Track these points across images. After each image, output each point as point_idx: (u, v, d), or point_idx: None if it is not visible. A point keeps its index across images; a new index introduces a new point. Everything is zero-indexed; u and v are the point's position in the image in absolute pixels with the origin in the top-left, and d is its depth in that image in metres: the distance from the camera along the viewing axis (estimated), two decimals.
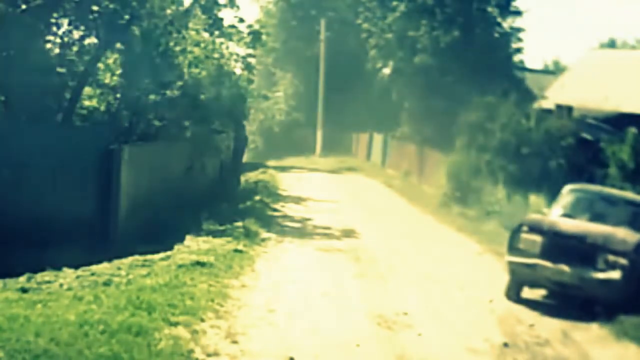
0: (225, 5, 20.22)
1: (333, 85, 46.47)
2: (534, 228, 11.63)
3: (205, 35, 21.16)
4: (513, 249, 11.70)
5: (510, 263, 11.70)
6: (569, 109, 26.60)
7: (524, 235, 11.60)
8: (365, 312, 10.32)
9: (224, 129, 23.33)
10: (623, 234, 11.45)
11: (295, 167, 39.06)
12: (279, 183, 28.22)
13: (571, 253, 11.19)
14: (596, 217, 12.11)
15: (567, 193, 12.92)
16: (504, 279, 11.92)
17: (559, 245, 11.32)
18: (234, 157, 27.42)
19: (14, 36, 15.61)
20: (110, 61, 18.18)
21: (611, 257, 10.98)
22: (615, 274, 10.85)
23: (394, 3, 34.72)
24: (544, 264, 11.25)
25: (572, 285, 11.12)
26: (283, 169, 36.53)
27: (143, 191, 15.87)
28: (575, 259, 11.14)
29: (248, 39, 22.75)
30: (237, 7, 21.25)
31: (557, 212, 12.43)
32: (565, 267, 11.12)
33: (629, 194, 13.79)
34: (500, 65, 32.05)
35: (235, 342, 8.50)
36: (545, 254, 11.31)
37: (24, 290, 10.01)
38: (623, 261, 10.90)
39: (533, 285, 11.77)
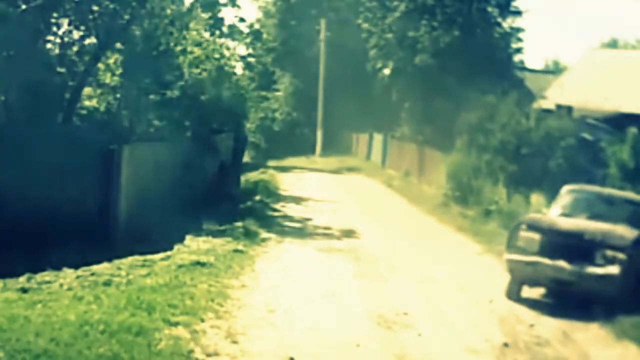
0: (225, 5, 20.27)
1: (333, 85, 46.46)
2: (533, 226, 11.62)
3: (206, 35, 21.19)
4: (512, 247, 11.67)
5: (509, 261, 11.65)
6: (569, 109, 26.65)
7: (522, 234, 11.57)
8: (365, 312, 10.32)
9: (224, 129, 23.34)
10: (621, 230, 11.49)
11: (295, 167, 39.07)
12: (279, 183, 28.22)
13: (570, 250, 11.17)
14: (595, 217, 12.07)
15: (566, 193, 12.90)
16: (504, 278, 11.90)
17: (558, 242, 11.30)
18: (234, 157, 27.38)
19: (14, 36, 15.60)
20: (110, 61, 18.18)
21: (609, 253, 11.00)
22: (614, 269, 10.88)
23: (394, 3, 34.75)
24: (543, 261, 11.22)
25: (571, 281, 11.08)
26: (283, 169, 36.53)
27: (143, 191, 15.86)
28: (574, 256, 11.12)
29: (248, 39, 22.84)
30: (238, 6, 21.29)
31: (556, 212, 12.42)
32: (564, 264, 11.10)
33: (628, 194, 13.80)
34: (500, 65, 32.07)
35: (235, 342, 8.50)
36: (544, 251, 11.28)
37: (24, 290, 10.01)
38: (621, 256, 10.93)
39: (532, 283, 11.72)
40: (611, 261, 10.96)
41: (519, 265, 11.48)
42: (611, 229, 11.45)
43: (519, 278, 11.62)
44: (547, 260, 11.20)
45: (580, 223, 11.77)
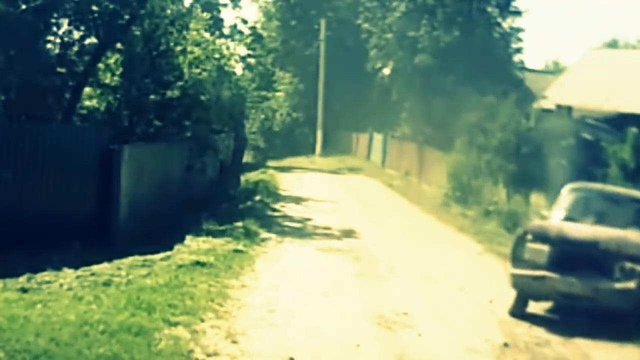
0: (225, 5, 20.29)
1: (333, 85, 46.47)
2: (540, 236, 10.61)
3: (206, 35, 21.20)
4: (517, 260, 10.63)
5: (515, 276, 10.61)
6: (569, 109, 26.68)
7: (529, 245, 10.55)
8: (365, 312, 10.31)
9: (224, 129, 23.35)
10: (635, 237, 10.61)
11: (295, 167, 39.07)
12: (279, 183, 28.22)
13: (582, 262, 10.24)
14: (601, 218, 11.27)
15: (568, 193, 11.97)
16: (504, 279, 11.83)
17: (569, 254, 10.34)
18: (233, 157, 27.43)
19: (14, 36, 15.60)
20: (110, 61, 18.19)
21: (628, 265, 10.12)
22: (631, 283, 10.01)
23: (394, 3, 34.79)
24: (552, 275, 10.25)
25: (584, 296, 10.12)
26: (283, 169, 36.53)
27: (143, 191, 15.87)
28: (588, 268, 10.21)
29: (249, 40, 22.93)
30: (240, 7, 21.34)
31: (559, 215, 11.53)
32: (576, 278, 10.15)
33: (631, 191, 12.98)
34: (500, 65, 32.12)
35: (235, 342, 8.50)
36: (553, 264, 10.32)
37: (24, 290, 10.01)
38: None
39: (540, 298, 10.79)
40: (629, 274, 10.09)
41: (525, 280, 10.47)
42: (625, 236, 10.57)
43: (526, 293, 10.66)
44: (557, 274, 10.23)
45: (592, 230, 10.79)
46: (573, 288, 10.17)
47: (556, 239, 10.57)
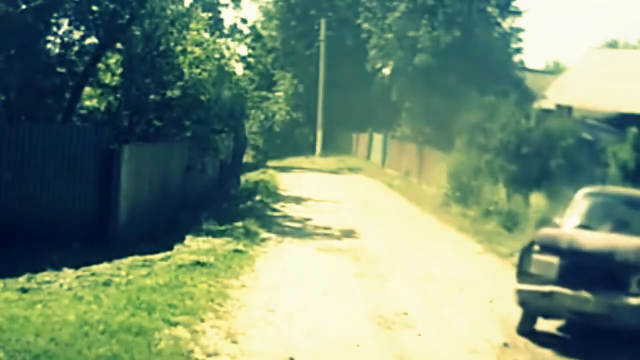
0: (226, 5, 20.28)
1: (333, 85, 46.47)
2: (549, 247, 9.51)
3: (206, 35, 21.22)
4: (523, 274, 9.55)
5: (521, 292, 9.51)
6: (569, 109, 26.72)
7: (536, 257, 9.46)
8: (365, 312, 10.31)
9: (224, 129, 23.36)
10: None
11: (295, 167, 39.08)
12: (279, 183, 28.23)
13: (596, 275, 9.17)
14: (620, 226, 10.09)
15: (583, 198, 10.76)
16: (504, 278, 11.85)
17: (581, 266, 9.26)
18: (233, 157, 27.45)
19: (14, 36, 15.61)
20: (110, 61, 18.20)
21: None
22: None
23: (394, 3, 34.81)
24: (562, 291, 9.17)
25: (598, 314, 9.07)
26: (283, 169, 36.55)
27: (143, 191, 15.88)
28: (602, 283, 9.13)
29: (249, 40, 22.92)
30: (240, 7, 21.32)
31: (573, 222, 10.36)
32: (589, 294, 9.06)
33: None
34: (500, 65, 32.14)
35: (235, 342, 8.49)
36: (563, 278, 9.23)
37: (24, 290, 10.01)
38: None
39: (549, 316, 9.74)
40: None
41: (532, 296, 9.40)
42: None
43: (533, 311, 9.65)
44: (568, 290, 9.15)
45: (607, 240, 9.68)
46: (585, 305, 9.11)
47: (567, 249, 9.49)
